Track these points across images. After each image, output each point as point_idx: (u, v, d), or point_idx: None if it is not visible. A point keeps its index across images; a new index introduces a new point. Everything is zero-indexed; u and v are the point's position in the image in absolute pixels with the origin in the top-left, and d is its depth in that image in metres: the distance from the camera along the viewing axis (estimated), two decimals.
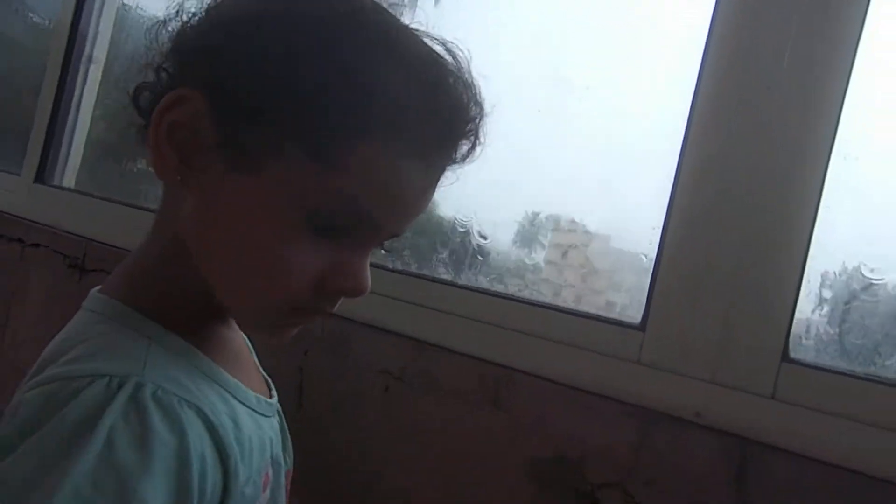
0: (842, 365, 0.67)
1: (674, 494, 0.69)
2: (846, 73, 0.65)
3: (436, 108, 0.40)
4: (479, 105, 0.43)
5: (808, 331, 0.70)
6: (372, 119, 0.38)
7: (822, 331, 0.70)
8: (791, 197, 0.66)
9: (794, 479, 0.64)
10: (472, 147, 0.44)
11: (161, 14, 0.43)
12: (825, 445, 0.64)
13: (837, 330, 0.70)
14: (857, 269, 0.69)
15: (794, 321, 0.67)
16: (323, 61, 0.38)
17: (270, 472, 0.49)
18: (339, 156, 0.38)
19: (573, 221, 0.91)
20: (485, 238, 0.92)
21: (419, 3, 0.71)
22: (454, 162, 0.44)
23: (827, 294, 0.70)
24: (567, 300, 0.92)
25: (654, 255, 0.74)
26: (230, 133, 0.39)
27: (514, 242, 0.94)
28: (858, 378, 0.64)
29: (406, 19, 0.43)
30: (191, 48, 0.41)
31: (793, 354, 0.67)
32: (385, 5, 0.43)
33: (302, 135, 0.38)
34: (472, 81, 0.43)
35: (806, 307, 0.68)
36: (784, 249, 0.66)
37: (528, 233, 0.93)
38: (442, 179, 0.45)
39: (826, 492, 0.63)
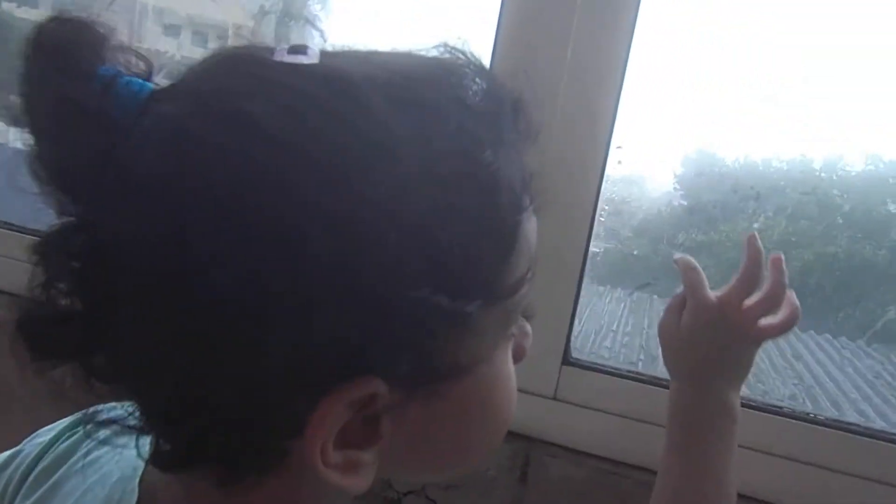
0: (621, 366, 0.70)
1: (468, 497, 0.71)
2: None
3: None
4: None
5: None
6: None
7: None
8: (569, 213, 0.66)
9: (569, 475, 0.68)
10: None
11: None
12: (600, 441, 0.68)
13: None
14: None
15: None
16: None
17: None
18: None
19: None
20: None
21: None
22: None
23: None
24: None
25: None
26: (428, 380, 0.27)
27: None
28: (632, 378, 0.67)
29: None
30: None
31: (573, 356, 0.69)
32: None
33: (500, 292, 0.28)
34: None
35: None
36: (563, 256, 0.66)
37: None
38: None
39: (595, 484, 0.67)
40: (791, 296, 0.48)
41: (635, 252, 0.87)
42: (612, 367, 0.68)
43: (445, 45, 0.30)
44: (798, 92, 0.81)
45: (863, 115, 0.80)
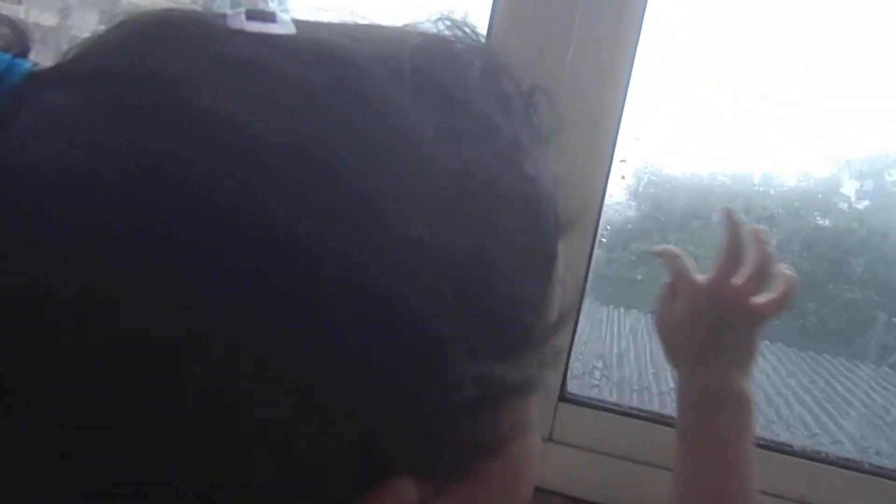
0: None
1: None
2: None
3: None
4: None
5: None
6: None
7: None
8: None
9: None
10: None
11: None
12: (602, 487, 0.61)
13: None
14: None
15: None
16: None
17: None
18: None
19: None
20: None
21: None
22: None
23: None
24: None
25: None
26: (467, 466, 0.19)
27: None
28: (636, 416, 0.61)
29: None
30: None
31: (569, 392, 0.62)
32: None
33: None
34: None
35: None
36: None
37: None
38: None
39: None
40: (782, 269, 0.45)
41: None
42: (613, 405, 0.61)
43: (447, 18, 0.21)
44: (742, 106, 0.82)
45: (795, 133, 0.84)
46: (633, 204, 0.95)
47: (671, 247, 0.48)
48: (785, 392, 0.87)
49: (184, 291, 0.14)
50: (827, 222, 1.04)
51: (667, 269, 0.47)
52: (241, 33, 0.16)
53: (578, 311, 0.60)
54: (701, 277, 0.45)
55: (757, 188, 1.01)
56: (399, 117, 0.17)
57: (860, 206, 1.02)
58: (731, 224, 0.44)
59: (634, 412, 0.62)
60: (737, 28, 0.74)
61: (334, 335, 0.15)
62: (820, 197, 1.05)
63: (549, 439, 0.61)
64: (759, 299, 0.44)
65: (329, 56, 0.17)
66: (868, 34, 0.75)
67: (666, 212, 0.91)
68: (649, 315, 0.81)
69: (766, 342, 0.89)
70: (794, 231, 0.94)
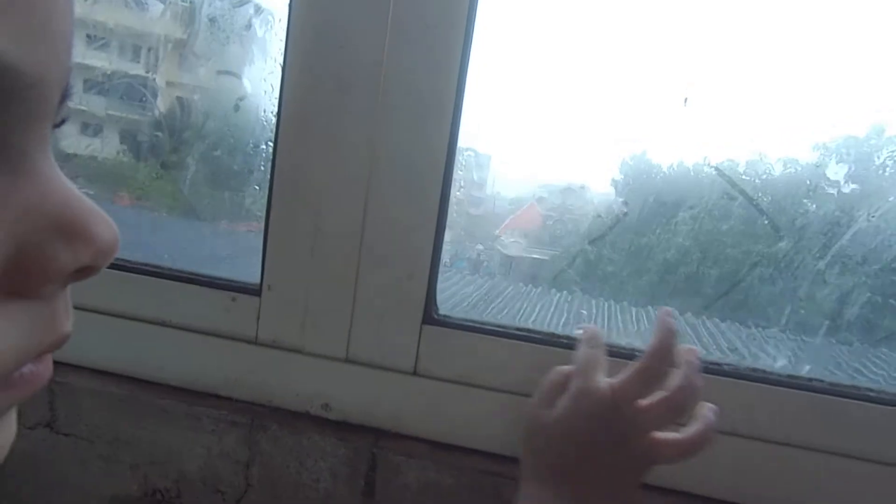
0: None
1: None
2: None
3: None
4: None
5: None
6: None
7: None
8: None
9: (432, 481, 0.49)
10: None
11: None
12: (477, 430, 0.50)
13: None
14: None
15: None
16: None
17: None
18: None
19: None
20: None
21: None
22: None
23: None
24: None
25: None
26: None
27: None
28: (525, 338, 0.51)
29: None
30: None
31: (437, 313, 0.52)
32: None
33: None
34: None
35: None
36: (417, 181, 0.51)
37: None
38: None
39: (469, 491, 0.48)
40: (705, 409, 0.37)
41: (579, 259, 0.84)
42: (495, 325, 0.51)
43: None
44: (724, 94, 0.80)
45: (779, 117, 0.80)
46: (619, 198, 0.93)
47: (596, 330, 0.41)
48: None
49: None
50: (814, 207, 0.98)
51: (574, 356, 0.39)
52: None
53: (440, 225, 0.51)
54: (604, 382, 0.37)
55: (743, 177, 0.98)
56: None
57: (847, 191, 0.96)
58: (663, 330, 0.36)
59: (524, 332, 0.51)
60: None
61: None
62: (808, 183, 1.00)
63: (414, 373, 0.51)
64: (664, 434, 0.36)
65: None
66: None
67: (652, 204, 0.84)
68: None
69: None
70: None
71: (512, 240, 0.78)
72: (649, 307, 0.93)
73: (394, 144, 0.50)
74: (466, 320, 0.52)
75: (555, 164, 0.70)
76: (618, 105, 0.83)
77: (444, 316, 0.52)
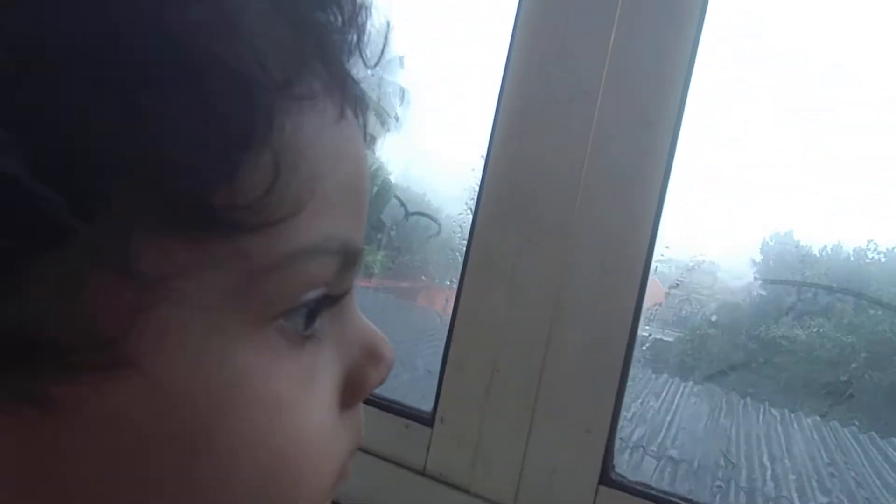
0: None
1: None
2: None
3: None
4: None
5: None
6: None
7: None
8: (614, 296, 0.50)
9: None
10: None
11: None
12: None
13: None
14: None
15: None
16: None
17: None
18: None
19: None
20: None
21: None
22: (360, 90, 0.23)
23: None
24: None
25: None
26: None
27: None
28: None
29: None
30: None
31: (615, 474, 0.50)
32: None
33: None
34: None
35: None
36: (605, 345, 0.49)
37: None
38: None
39: None
40: None
41: (708, 343, 0.74)
42: (666, 492, 0.48)
43: None
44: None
45: None
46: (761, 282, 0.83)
47: None
48: None
49: None
50: None
51: None
52: None
53: (623, 381, 0.49)
54: None
55: None
56: None
57: None
58: None
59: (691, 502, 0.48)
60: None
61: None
62: None
63: None
64: None
65: None
66: None
67: (799, 289, 0.78)
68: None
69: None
70: None
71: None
72: (800, 415, 0.82)
73: (579, 298, 0.49)
74: (646, 486, 0.49)
75: (681, 237, 0.61)
76: (761, 175, 0.74)
77: (622, 476, 0.50)
